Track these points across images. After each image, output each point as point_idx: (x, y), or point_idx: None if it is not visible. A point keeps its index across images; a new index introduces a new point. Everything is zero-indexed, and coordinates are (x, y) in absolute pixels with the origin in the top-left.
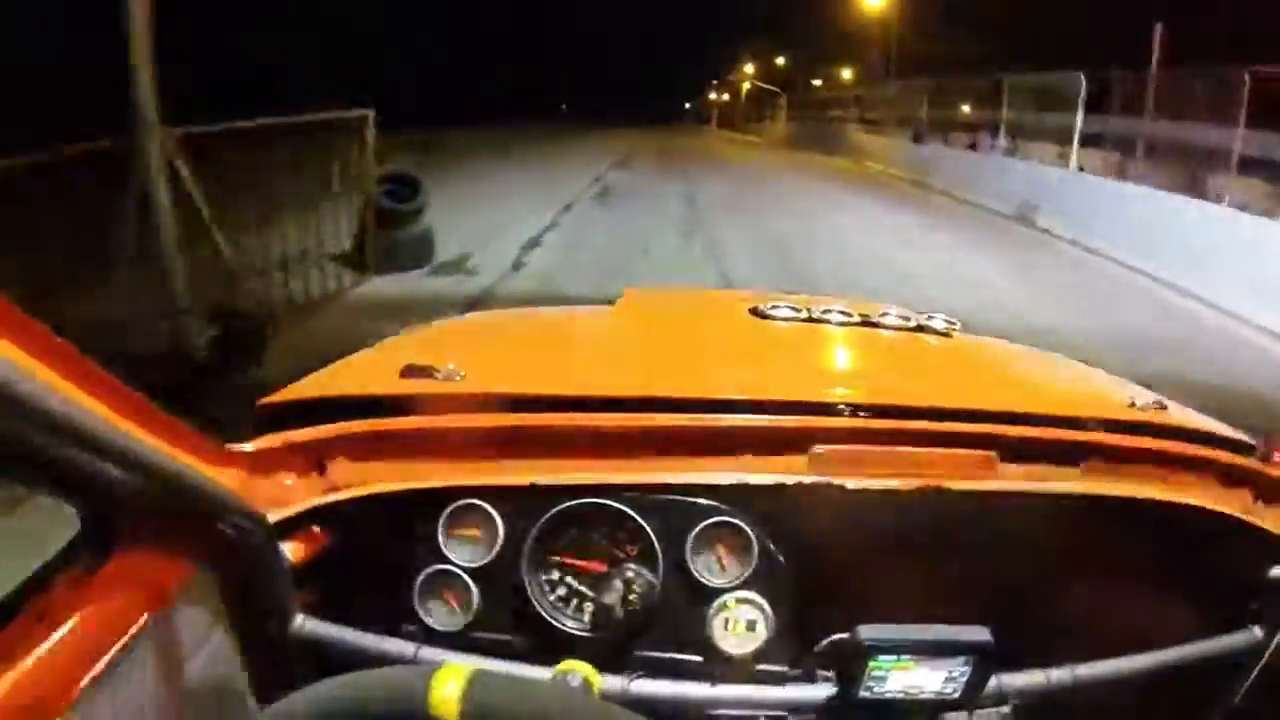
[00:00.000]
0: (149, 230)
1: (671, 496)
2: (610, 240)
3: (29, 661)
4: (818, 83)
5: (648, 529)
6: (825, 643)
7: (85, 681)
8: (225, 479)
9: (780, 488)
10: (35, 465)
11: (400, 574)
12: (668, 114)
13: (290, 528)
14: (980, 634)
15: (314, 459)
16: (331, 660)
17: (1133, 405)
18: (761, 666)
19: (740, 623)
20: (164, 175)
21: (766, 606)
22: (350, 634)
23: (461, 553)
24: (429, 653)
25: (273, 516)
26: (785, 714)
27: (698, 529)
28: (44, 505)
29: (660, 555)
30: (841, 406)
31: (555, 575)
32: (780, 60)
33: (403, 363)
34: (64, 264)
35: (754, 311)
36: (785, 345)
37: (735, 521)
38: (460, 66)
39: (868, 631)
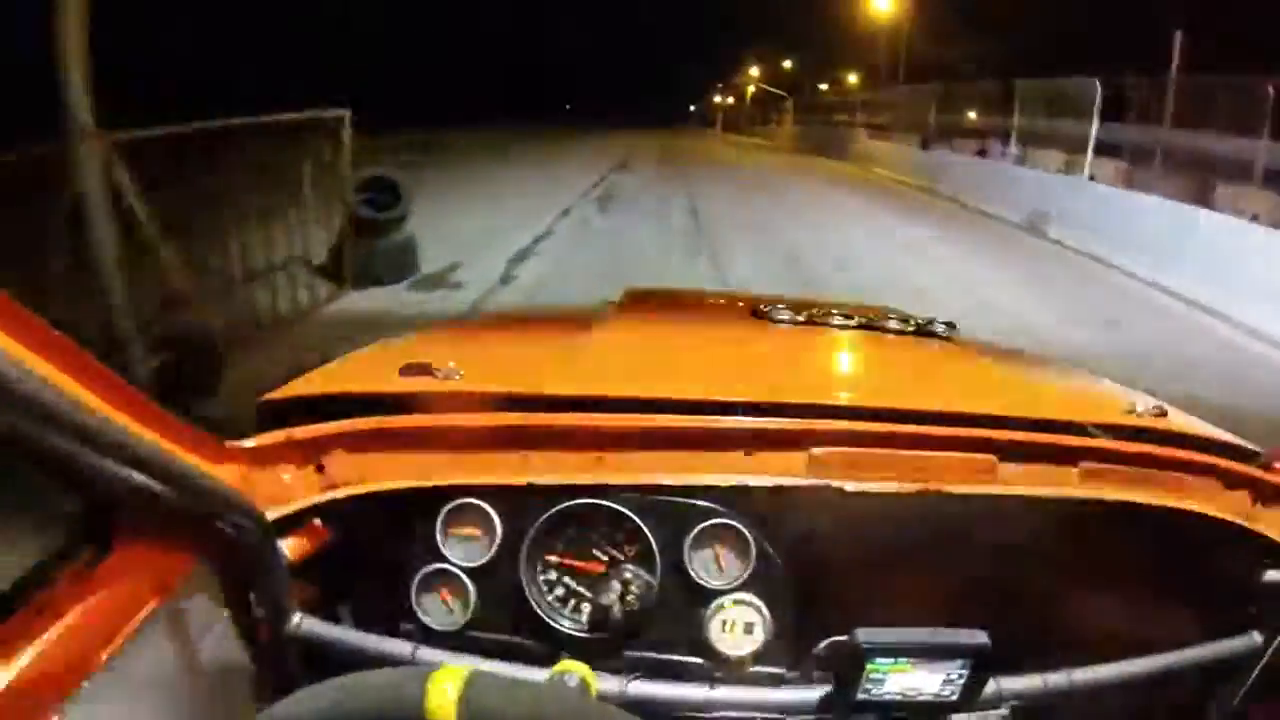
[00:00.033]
0: (86, 248)
1: (670, 497)
2: (610, 248)
3: (28, 655)
4: (824, 87)
5: (646, 530)
6: (823, 645)
7: (84, 675)
8: (224, 475)
9: (779, 490)
10: (35, 459)
11: (398, 572)
12: (670, 116)
13: (289, 525)
14: (978, 637)
15: (313, 456)
16: (328, 658)
17: (1133, 410)
18: (759, 668)
19: (738, 624)
20: (100, 185)
21: (764, 608)
22: (347, 633)
23: (459, 552)
24: (426, 652)
25: (271, 514)
26: (782, 716)
27: (696, 530)
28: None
29: (658, 556)
30: (841, 409)
31: (553, 575)
32: (786, 63)
33: (402, 361)
34: None
35: (755, 313)
36: (785, 347)
37: (733, 523)
38: (460, 67)
39: (865, 634)
